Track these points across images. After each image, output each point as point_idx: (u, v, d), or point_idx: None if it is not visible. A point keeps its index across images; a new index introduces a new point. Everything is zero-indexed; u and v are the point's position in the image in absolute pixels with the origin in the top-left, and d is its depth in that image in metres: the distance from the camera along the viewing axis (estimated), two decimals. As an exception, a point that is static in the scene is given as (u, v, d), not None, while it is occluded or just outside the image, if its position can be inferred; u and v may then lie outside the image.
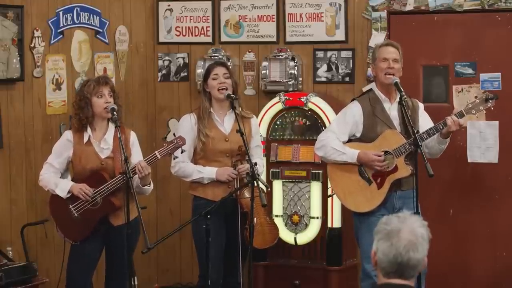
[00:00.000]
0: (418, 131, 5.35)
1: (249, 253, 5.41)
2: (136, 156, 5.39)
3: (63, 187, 5.29)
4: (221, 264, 5.64)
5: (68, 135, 5.40)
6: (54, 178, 5.35)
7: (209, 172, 5.64)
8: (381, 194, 5.51)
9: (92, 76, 6.83)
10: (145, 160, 5.24)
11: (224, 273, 5.71)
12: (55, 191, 5.30)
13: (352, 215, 5.70)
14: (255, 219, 5.59)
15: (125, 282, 5.35)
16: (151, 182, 5.41)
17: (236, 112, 5.56)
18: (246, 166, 5.52)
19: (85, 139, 5.33)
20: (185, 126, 5.70)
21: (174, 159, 5.53)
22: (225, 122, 5.72)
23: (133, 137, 5.50)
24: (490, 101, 5.45)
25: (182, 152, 5.33)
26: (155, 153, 5.24)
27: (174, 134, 7.23)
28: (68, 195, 5.28)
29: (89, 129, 5.34)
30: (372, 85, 5.77)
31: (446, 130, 5.42)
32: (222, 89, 5.65)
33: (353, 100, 5.74)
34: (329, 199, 6.40)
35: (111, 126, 5.33)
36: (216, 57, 7.07)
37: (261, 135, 6.69)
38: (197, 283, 5.85)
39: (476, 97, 5.50)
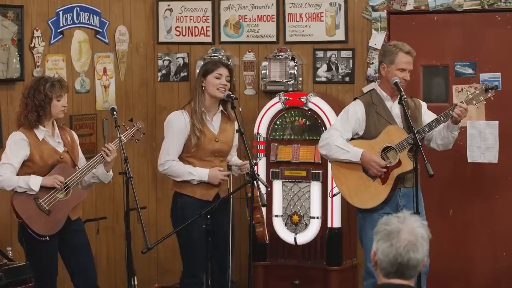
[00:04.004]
0: (418, 131, 5.36)
1: (249, 253, 5.39)
2: (81, 154, 5.56)
3: (35, 181, 5.25)
4: (207, 263, 5.48)
5: (20, 135, 5.34)
6: (19, 177, 5.27)
7: (200, 174, 5.61)
8: (385, 190, 5.52)
9: (91, 76, 6.85)
10: (113, 144, 5.36)
11: (218, 273, 5.68)
12: (28, 186, 5.23)
13: (356, 213, 5.71)
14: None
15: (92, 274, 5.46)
16: (111, 170, 5.50)
17: (235, 112, 5.56)
18: (247, 163, 5.54)
19: (40, 136, 5.34)
20: (179, 123, 5.67)
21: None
22: (214, 122, 5.71)
23: (76, 137, 5.61)
24: (490, 91, 5.46)
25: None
26: (121, 137, 5.37)
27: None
28: (38, 190, 5.28)
29: (41, 126, 5.35)
30: (374, 85, 5.77)
31: (454, 119, 5.44)
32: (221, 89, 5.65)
33: (355, 99, 5.75)
34: (329, 199, 6.40)
35: (55, 124, 5.43)
36: (216, 57, 7.06)
37: (260, 135, 6.70)
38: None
39: (475, 88, 5.49)
